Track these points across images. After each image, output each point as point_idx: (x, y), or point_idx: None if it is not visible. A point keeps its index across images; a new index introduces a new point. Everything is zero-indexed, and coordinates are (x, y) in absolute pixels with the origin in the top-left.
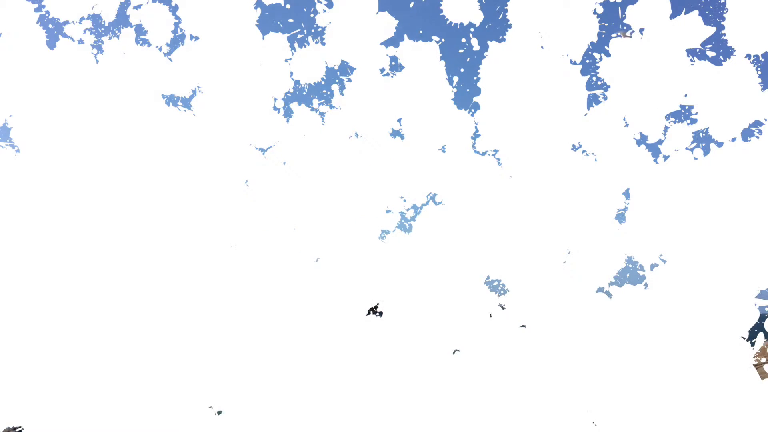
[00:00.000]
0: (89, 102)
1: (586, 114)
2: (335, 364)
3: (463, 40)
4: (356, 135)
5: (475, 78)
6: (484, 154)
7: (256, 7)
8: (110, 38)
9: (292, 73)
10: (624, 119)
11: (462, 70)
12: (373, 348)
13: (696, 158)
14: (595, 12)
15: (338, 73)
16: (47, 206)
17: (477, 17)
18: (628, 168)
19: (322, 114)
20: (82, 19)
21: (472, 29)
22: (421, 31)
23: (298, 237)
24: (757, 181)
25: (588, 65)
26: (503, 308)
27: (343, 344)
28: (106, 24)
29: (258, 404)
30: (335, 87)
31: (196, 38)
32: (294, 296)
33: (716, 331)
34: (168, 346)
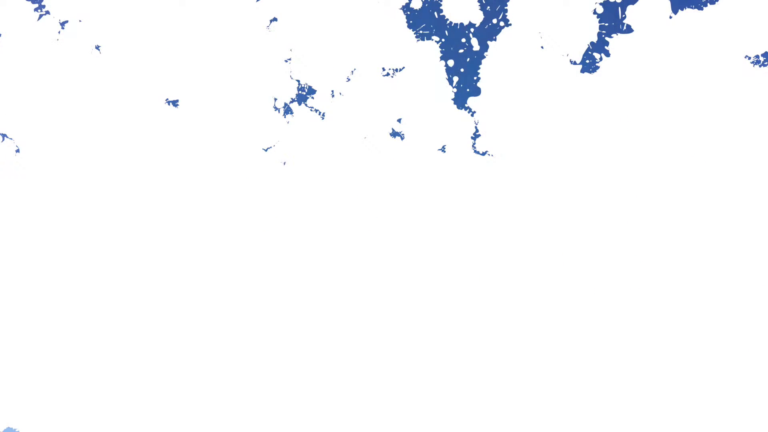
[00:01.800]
0: (90, 101)
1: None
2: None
3: (463, 40)
4: (356, 134)
5: (475, 78)
6: (484, 154)
7: (256, 5)
8: (111, 38)
9: (291, 73)
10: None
11: (462, 70)
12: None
13: None
14: (595, 12)
15: (337, 73)
16: (47, 204)
17: (477, 17)
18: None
19: (322, 115)
20: (81, 19)
21: (472, 29)
22: (421, 31)
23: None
24: None
25: (588, 65)
26: None
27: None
28: (107, 24)
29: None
30: (335, 87)
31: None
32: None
33: None
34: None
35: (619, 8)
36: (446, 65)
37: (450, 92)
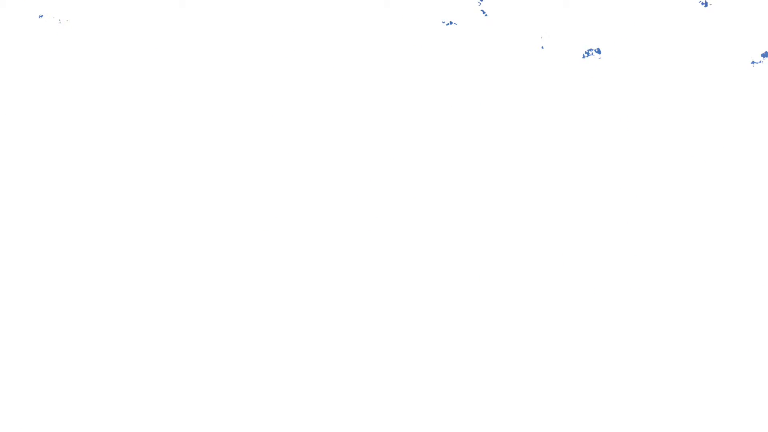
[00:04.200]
0: (91, 101)
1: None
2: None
3: (463, 40)
4: (357, 135)
5: (474, 78)
6: (484, 154)
7: (256, 5)
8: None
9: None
10: None
11: (461, 70)
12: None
13: None
14: (595, 12)
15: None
16: (47, 206)
17: (477, 17)
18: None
19: (322, 114)
20: (81, 19)
21: (472, 29)
22: (420, 31)
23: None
24: None
25: (588, 65)
26: None
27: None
28: (107, 24)
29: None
30: (336, 87)
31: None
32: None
33: None
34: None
35: (620, 9)
36: (445, 65)
37: (449, 93)
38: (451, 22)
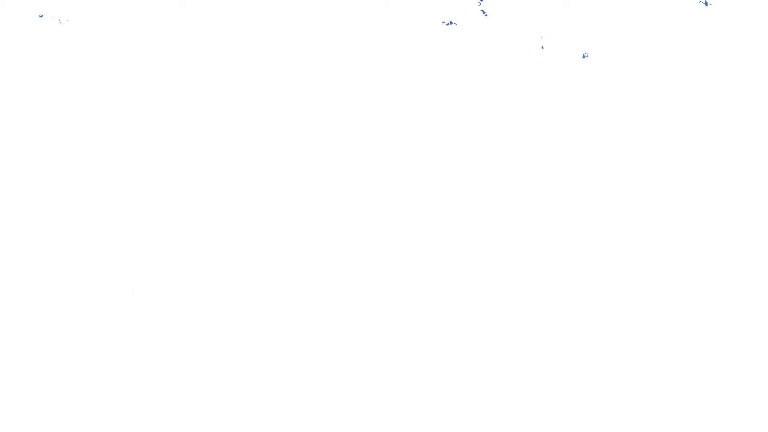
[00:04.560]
0: (90, 102)
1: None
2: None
3: (463, 40)
4: (356, 136)
5: (474, 78)
6: (484, 155)
7: (257, 6)
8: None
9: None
10: None
11: (461, 70)
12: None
13: None
14: (595, 12)
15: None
16: (47, 210)
17: (477, 17)
18: None
19: (323, 116)
20: (81, 19)
21: (472, 28)
22: (420, 30)
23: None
24: None
25: (587, 65)
26: None
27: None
28: (107, 24)
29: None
30: (337, 87)
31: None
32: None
33: None
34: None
35: (620, 8)
36: (445, 65)
37: (449, 93)
38: (451, 22)
